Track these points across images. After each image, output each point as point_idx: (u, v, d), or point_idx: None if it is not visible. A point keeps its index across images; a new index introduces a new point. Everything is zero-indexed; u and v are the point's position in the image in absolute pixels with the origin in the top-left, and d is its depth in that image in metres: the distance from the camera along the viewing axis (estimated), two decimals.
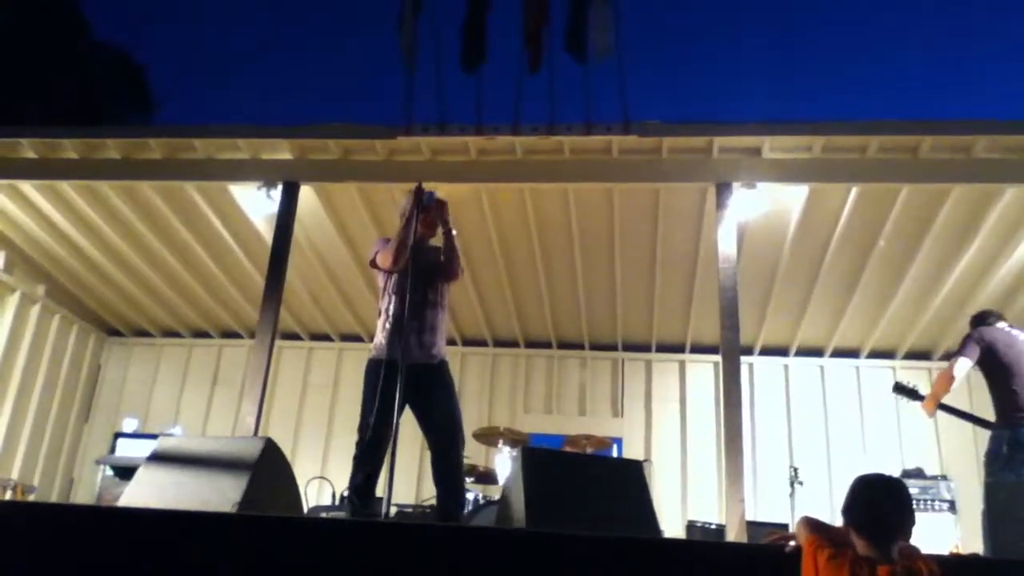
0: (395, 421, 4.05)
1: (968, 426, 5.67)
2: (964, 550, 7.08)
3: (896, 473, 7.71)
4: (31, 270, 8.77)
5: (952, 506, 7.44)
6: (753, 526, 5.77)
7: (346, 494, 4.55)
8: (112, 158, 6.98)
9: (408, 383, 4.13)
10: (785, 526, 6.14)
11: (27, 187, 7.45)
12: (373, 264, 4.70)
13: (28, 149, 6.97)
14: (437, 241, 4.69)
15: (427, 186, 4.62)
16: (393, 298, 4.52)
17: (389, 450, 4.02)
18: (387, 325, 4.46)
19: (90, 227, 8.03)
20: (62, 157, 7.02)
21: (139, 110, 24.21)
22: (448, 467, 4.38)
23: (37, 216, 7.90)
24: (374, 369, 4.39)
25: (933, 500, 7.44)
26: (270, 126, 6.84)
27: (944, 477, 7.72)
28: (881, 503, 2.65)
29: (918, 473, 7.73)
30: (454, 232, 4.63)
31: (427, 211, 4.52)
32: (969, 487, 7.43)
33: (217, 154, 6.90)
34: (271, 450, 4.00)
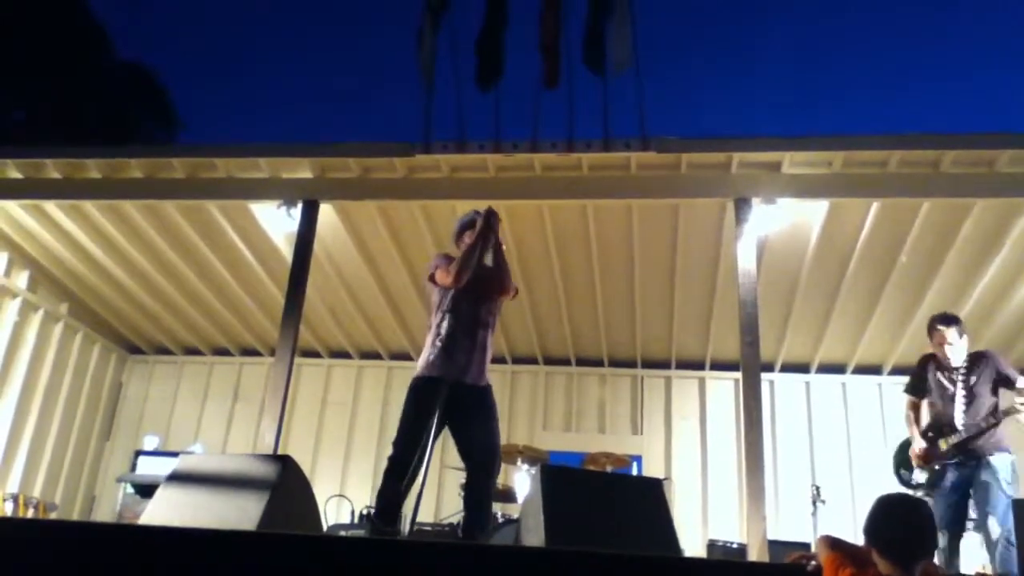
0: (433, 441, 4.10)
1: None
2: (991, 570, 6.97)
3: (919, 492, 7.60)
4: (54, 289, 8.86)
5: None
6: (775, 545, 5.71)
7: (367, 511, 4.55)
8: (135, 177, 7.05)
9: (456, 403, 4.20)
10: (807, 545, 6.07)
11: (51, 206, 7.53)
12: (432, 279, 4.66)
13: (52, 169, 7.06)
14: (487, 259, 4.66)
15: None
16: (448, 316, 4.50)
17: (423, 469, 4.08)
18: (438, 343, 4.44)
19: (113, 246, 8.11)
20: (86, 177, 7.10)
21: (164, 130, 24.51)
22: (483, 492, 4.37)
23: (61, 235, 7.98)
24: (425, 387, 4.35)
25: None
26: (290, 144, 6.90)
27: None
28: (904, 523, 2.62)
29: None
30: (503, 246, 4.66)
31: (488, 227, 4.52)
32: None
33: (238, 173, 6.95)
34: (290, 468, 4.00)
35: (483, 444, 4.37)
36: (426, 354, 4.50)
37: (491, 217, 4.53)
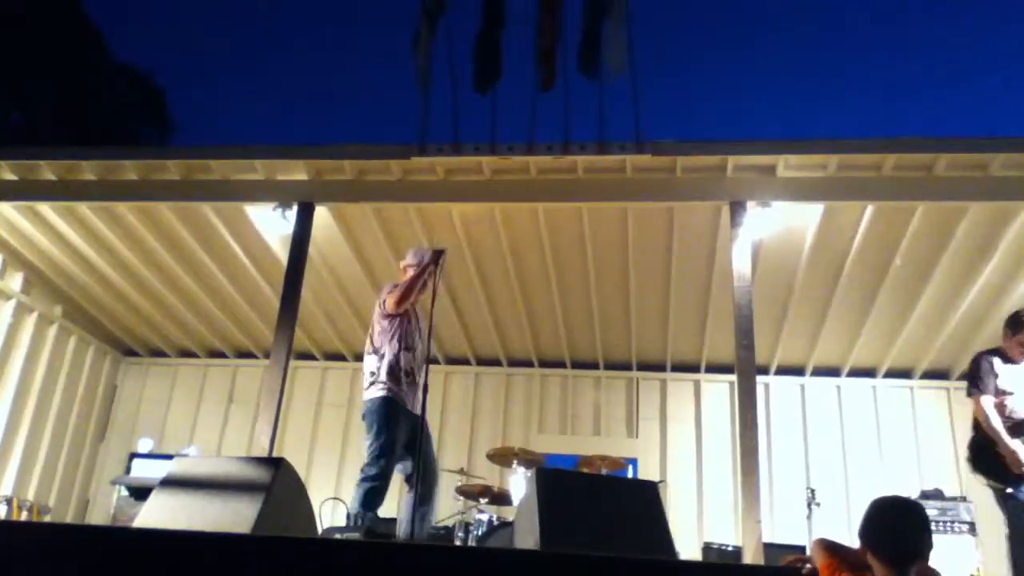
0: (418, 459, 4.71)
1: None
2: (985, 573, 6.98)
3: (914, 494, 7.62)
4: (49, 291, 8.83)
5: (972, 528, 7.32)
6: (770, 548, 5.71)
7: (366, 517, 4.68)
8: (130, 179, 7.04)
9: (412, 430, 4.78)
10: (802, 548, 6.09)
11: (46, 208, 7.52)
12: (384, 308, 5.08)
13: (47, 171, 7.05)
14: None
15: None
16: (406, 353, 4.98)
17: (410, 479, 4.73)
18: (398, 373, 4.92)
19: (107, 248, 8.10)
20: (81, 178, 7.08)
21: (160, 132, 24.53)
22: (431, 506, 4.96)
23: (55, 237, 7.97)
24: (396, 407, 4.85)
25: (952, 522, 7.32)
26: (285, 147, 6.88)
27: (964, 498, 7.60)
28: (899, 526, 2.62)
29: (937, 494, 7.62)
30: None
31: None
32: (990, 509, 7.32)
33: (233, 175, 6.94)
34: (285, 471, 3.99)
35: (432, 465, 5.00)
36: (390, 382, 4.89)
37: (438, 256, 4.93)
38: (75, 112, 20.88)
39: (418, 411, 4.88)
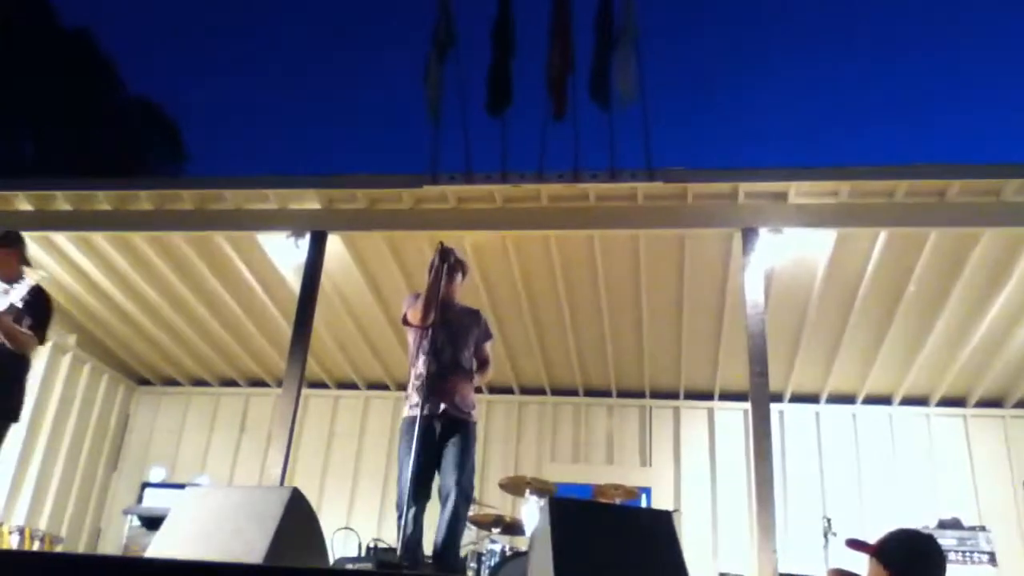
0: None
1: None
2: None
3: (932, 523, 7.52)
4: (63, 320, 8.86)
5: (992, 558, 7.22)
6: None
7: (374, 544, 4.59)
8: (144, 209, 7.10)
9: (437, 434, 4.35)
10: None
11: (61, 238, 7.59)
12: (405, 321, 4.75)
13: (62, 201, 7.12)
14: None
15: (448, 241, 4.71)
16: (424, 357, 4.53)
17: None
18: (418, 383, 4.50)
19: (121, 277, 8.15)
20: (95, 209, 7.16)
21: (173, 162, 24.81)
22: (457, 524, 4.42)
23: (69, 267, 8.03)
24: (408, 428, 4.43)
25: (972, 552, 7.22)
26: (298, 176, 6.94)
27: (983, 528, 7.51)
28: (931, 561, 2.65)
29: (955, 524, 7.52)
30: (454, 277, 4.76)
31: (451, 270, 4.61)
32: (1010, 538, 7.22)
33: (246, 204, 7.00)
34: (297, 500, 3.97)
35: (463, 475, 4.44)
36: (414, 398, 4.51)
37: (443, 252, 4.60)
38: (88, 142, 21.15)
39: (459, 412, 4.54)
